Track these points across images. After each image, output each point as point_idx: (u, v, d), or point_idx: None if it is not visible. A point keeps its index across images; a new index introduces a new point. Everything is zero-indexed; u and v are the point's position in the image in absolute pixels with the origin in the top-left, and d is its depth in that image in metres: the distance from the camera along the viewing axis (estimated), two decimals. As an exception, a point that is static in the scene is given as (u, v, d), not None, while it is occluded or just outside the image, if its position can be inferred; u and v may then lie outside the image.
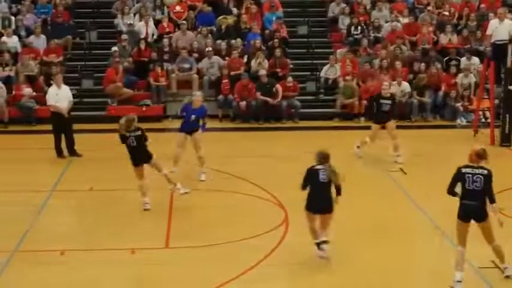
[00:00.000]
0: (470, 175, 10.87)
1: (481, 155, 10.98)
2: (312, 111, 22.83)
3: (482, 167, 10.94)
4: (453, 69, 23.76)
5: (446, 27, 25.06)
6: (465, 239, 10.97)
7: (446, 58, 24.36)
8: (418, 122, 22.87)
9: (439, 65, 23.77)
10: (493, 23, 20.65)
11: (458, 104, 22.95)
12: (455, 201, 14.93)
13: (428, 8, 26.01)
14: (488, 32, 20.88)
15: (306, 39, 25.76)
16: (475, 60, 24.01)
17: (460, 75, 23.55)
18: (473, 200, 10.89)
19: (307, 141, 18.99)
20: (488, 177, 10.85)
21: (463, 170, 10.93)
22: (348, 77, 23.01)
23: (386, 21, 25.68)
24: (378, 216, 14.19)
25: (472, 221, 10.99)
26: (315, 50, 25.31)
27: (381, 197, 15.44)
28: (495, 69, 20.20)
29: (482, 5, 26.24)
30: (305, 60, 25.12)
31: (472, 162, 10.95)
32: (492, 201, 10.98)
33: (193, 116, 16.19)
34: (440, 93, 23.35)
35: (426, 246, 13.08)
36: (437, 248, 12.72)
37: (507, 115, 19.64)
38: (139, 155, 14.25)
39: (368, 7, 26.29)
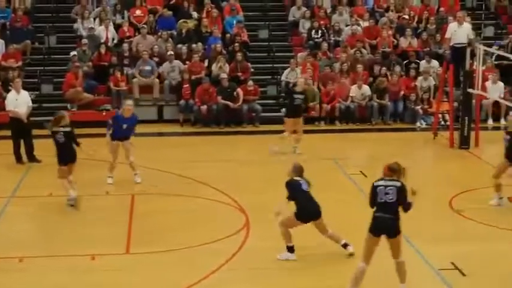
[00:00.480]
0: (383, 187, 10.60)
1: (393, 169, 10.70)
2: (272, 115, 22.82)
3: (394, 179, 10.65)
4: (413, 72, 23.92)
5: (406, 31, 25.24)
6: (370, 256, 10.67)
7: (406, 61, 24.51)
8: (378, 125, 22.96)
9: (398, 68, 23.90)
10: (452, 27, 20.81)
11: (418, 107, 23.10)
12: (414, 204, 15.13)
13: (389, 13, 26.12)
14: (447, 35, 21.03)
15: (266, 43, 25.79)
16: (435, 63, 24.19)
17: (420, 78, 23.72)
18: (385, 213, 10.60)
19: (268, 145, 18.98)
20: (400, 189, 10.58)
21: (375, 184, 10.69)
22: (308, 80, 23.04)
23: (347, 25, 25.79)
24: (339, 220, 14.18)
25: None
26: (276, 54, 25.35)
27: (341, 200, 15.47)
28: (454, 72, 20.35)
29: (442, 9, 26.46)
30: (266, 64, 25.15)
31: (386, 176, 10.70)
32: (405, 210, 10.75)
33: (124, 125, 16.11)
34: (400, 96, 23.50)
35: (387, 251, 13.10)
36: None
37: (466, 118, 19.81)
38: (66, 153, 14.53)
39: (328, 11, 26.39)
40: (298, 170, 12.11)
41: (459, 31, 20.33)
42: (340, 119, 23.04)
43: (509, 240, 13.05)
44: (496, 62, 24.31)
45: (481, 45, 20.21)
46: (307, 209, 11.88)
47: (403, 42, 25.17)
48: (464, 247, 12.80)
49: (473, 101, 20.11)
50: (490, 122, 22.96)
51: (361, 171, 17.38)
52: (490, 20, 27.03)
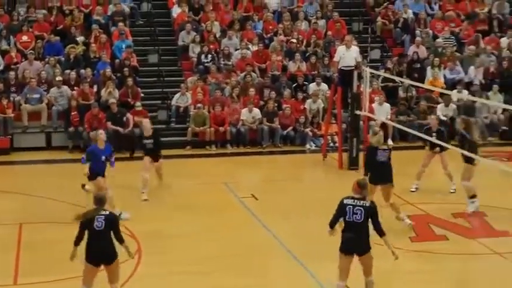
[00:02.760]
0: (351, 207, 10.66)
1: (362, 185, 10.86)
2: (163, 140, 22.64)
3: (364, 199, 10.74)
4: (302, 95, 24.22)
5: (295, 55, 25.56)
6: (347, 274, 10.81)
7: (295, 84, 24.80)
8: (268, 148, 23.10)
9: (287, 93, 24.16)
10: (340, 50, 21.18)
11: (307, 129, 23.38)
12: (305, 225, 15.33)
13: (278, 37, 26.40)
14: (335, 59, 21.38)
15: (156, 68, 25.68)
16: (323, 86, 24.54)
17: (309, 101, 24.02)
18: (354, 233, 10.65)
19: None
20: (369, 210, 10.62)
21: (345, 201, 10.77)
22: (199, 105, 23.04)
23: (236, 49, 25.94)
24: (231, 243, 14.22)
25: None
26: (166, 79, 25.25)
27: (233, 224, 15.49)
28: (342, 94, 20.68)
29: (329, 33, 26.92)
30: (156, 89, 25.01)
31: (355, 193, 10.79)
32: (381, 234, 10.79)
33: (103, 157, 15.66)
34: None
35: (278, 270, 13.19)
36: (290, 273, 12.86)
37: (354, 139, 20.16)
38: None
39: (218, 35, 26.49)
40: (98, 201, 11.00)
41: (347, 54, 20.71)
42: (231, 143, 23.09)
43: (398, 260, 13.27)
44: (382, 84, 24.86)
45: (367, 68, 20.65)
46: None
47: (292, 66, 25.48)
48: (353, 267, 12.93)
49: (361, 122, 20.49)
50: (378, 142, 23.38)
51: (252, 194, 17.46)
52: (376, 43, 27.62)
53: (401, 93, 25.02)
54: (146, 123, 17.56)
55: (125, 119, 22.59)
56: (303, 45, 26.55)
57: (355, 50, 21.06)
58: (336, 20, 27.28)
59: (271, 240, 14.47)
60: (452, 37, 27.30)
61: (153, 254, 13.33)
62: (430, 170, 17.67)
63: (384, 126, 23.05)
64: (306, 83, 24.90)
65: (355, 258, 10.78)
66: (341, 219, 10.89)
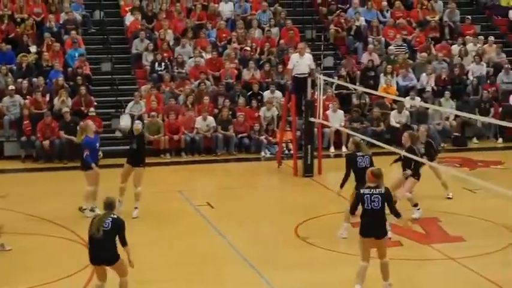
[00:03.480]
0: (369, 195, 11.47)
1: (376, 174, 11.64)
2: (117, 149, 22.49)
3: (379, 187, 11.54)
4: (256, 103, 24.25)
5: (249, 62, 25.59)
6: (368, 254, 11.64)
7: (249, 92, 24.82)
8: (223, 156, 23.06)
9: (241, 101, 24.16)
10: (294, 58, 21.24)
11: (262, 137, 23.40)
12: (260, 232, 15.38)
13: (231, 45, 26.39)
14: (289, 66, 21.44)
15: (109, 76, 25.52)
16: (278, 93, 24.60)
17: (263, 108, 24.06)
18: (373, 219, 11.46)
19: (113, 179, 18.58)
20: (385, 196, 11.50)
21: (362, 191, 11.61)
22: (153, 113, 22.93)
23: (190, 57, 25.89)
24: (186, 252, 14.17)
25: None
26: (119, 87, 25.12)
27: (188, 232, 15.44)
28: (296, 102, 20.73)
29: (282, 41, 27.00)
30: (109, 97, 24.86)
31: (370, 182, 11.64)
32: (398, 215, 11.83)
33: (97, 145, 16.27)
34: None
35: (234, 278, 13.17)
36: (246, 280, 12.85)
37: (309, 146, 20.21)
38: None
39: (171, 43, 26.43)
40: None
41: (301, 62, 20.78)
42: (185, 151, 23.02)
43: (354, 266, 13.32)
44: (336, 92, 24.99)
45: (321, 75, 20.74)
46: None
47: (246, 74, 25.50)
48: (310, 274, 13.00)
49: (315, 129, 20.56)
50: (332, 149, 23.49)
51: (207, 202, 17.43)
52: (329, 51, 27.76)
53: (354, 100, 25.18)
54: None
55: (78, 128, 22.31)
56: (257, 53, 26.59)
57: (308, 57, 21.14)
58: (289, 27, 27.38)
59: (227, 247, 14.45)
60: (404, 44, 27.56)
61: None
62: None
63: (337, 133, 23.29)
64: (261, 91, 24.93)
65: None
66: None
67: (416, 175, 15.64)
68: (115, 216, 10.98)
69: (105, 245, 10.80)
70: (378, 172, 11.73)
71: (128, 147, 16.97)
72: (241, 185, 19.74)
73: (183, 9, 27.76)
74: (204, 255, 14.04)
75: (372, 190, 11.53)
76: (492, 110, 25.22)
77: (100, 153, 16.76)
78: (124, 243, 10.90)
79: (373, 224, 11.51)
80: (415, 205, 15.83)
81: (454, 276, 12.76)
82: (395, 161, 16.26)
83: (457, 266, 13.06)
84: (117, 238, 10.86)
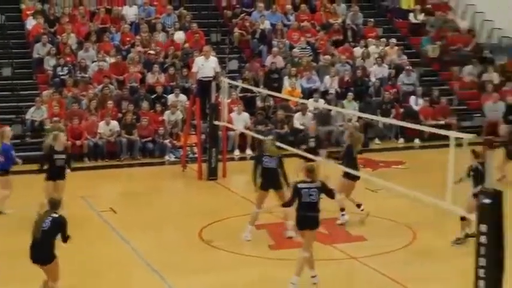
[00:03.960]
0: (307, 189, 11.99)
1: (310, 169, 12.16)
2: (18, 155, 22.00)
3: (315, 181, 12.05)
4: (160, 107, 24.09)
5: (153, 66, 25.41)
6: (309, 245, 12.17)
7: (153, 96, 24.65)
8: (127, 161, 22.81)
9: (145, 105, 23.97)
10: (199, 61, 21.19)
11: (167, 141, 23.26)
12: (165, 237, 15.29)
13: (135, 48, 26.16)
14: (194, 70, 21.40)
15: (10, 81, 24.99)
16: (182, 97, 24.51)
17: (167, 112, 23.91)
18: (309, 212, 11.99)
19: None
20: (322, 188, 12.06)
21: (299, 186, 12.09)
22: (55, 118, 22.55)
23: (93, 61, 25.57)
24: (90, 258, 13.95)
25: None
26: (20, 92, 24.62)
27: (92, 238, 15.20)
28: (201, 105, 20.71)
29: (187, 44, 26.92)
30: (10, 103, 24.32)
31: (307, 177, 12.13)
32: (333, 197, 12.62)
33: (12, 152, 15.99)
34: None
35: (137, 284, 13.05)
36: (149, 286, 12.75)
37: (213, 149, 20.16)
38: None
39: (74, 47, 26.03)
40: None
41: (206, 65, 20.78)
42: (88, 156, 22.70)
43: (259, 268, 13.37)
44: (241, 95, 25.04)
45: (226, 79, 20.74)
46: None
47: (151, 77, 25.33)
48: (214, 277, 12.97)
49: (220, 132, 20.55)
50: (237, 152, 23.51)
51: (111, 208, 17.22)
52: (234, 54, 27.82)
53: (259, 103, 25.27)
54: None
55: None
56: (161, 57, 26.42)
57: (213, 60, 21.15)
58: (195, 31, 27.31)
59: (130, 253, 14.30)
60: (308, 47, 27.80)
61: (6, 271, 12.93)
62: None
63: (242, 135, 23.33)
64: (165, 94, 24.80)
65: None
66: None
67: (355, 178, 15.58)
68: (56, 215, 11.01)
69: (42, 245, 10.89)
70: (311, 167, 12.26)
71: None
72: (146, 189, 19.56)
73: (86, 13, 27.39)
74: (108, 261, 13.86)
75: (309, 184, 12.02)
76: (393, 111, 25.67)
77: (20, 160, 16.66)
78: (64, 240, 11.06)
79: (308, 217, 12.04)
80: (342, 209, 15.86)
81: (357, 276, 12.92)
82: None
83: (359, 265, 13.22)
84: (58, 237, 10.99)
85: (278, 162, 14.73)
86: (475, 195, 12.45)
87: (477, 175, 13.70)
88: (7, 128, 16.83)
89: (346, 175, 15.38)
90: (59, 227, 11.00)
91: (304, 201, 12.01)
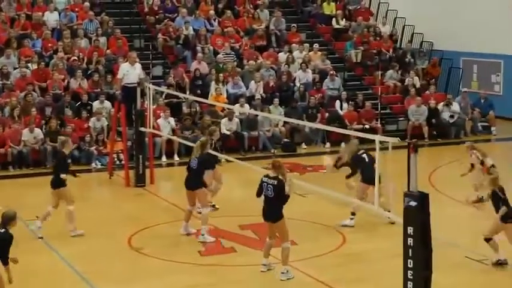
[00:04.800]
0: (265, 184, 12.63)
1: (273, 165, 12.73)
2: None
3: (275, 178, 12.54)
4: (86, 114, 23.84)
5: (77, 72, 25.14)
6: (273, 234, 12.92)
7: (78, 103, 24.38)
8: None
9: (70, 112, 23.68)
10: (124, 67, 21.05)
11: (93, 148, 23.02)
12: (93, 245, 15.13)
13: (58, 54, 25.82)
14: (119, 76, 21.25)
15: None
16: (107, 103, 24.30)
17: (93, 119, 23.68)
18: (266, 204, 12.71)
19: None
20: (277, 187, 12.48)
21: (263, 179, 12.72)
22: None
23: (15, 68, 25.17)
24: (16, 269, 13.69)
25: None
26: None
27: (18, 249, 14.89)
28: (126, 111, 20.56)
29: (109, 50, 26.70)
30: None
31: (272, 172, 12.68)
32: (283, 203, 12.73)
33: None
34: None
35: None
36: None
37: (140, 156, 20.03)
38: None
39: (-5, 54, 25.61)
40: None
41: (131, 71, 20.66)
42: (13, 164, 22.32)
43: (189, 275, 13.35)
44: (166, 100, 24.94)
45: (151, 85, 20.66)
46: None
47: (74, 84, 25.04)
48: (144, 285, 12.91)
49: (146, 139, 20.45)
50: (164, 159, 23.41)
51: (37, 216, 16.90)
52: (158, 60, 27.71)
53: (185, 109, 25.23)
54: None
55: None
56: (85, 63, 26.17)
57: (138, 66, 21.05)
58: (118, 36, 27.13)
59: (59, 262, 14.12)
60: (233, 52, 27.89)
61: None
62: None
63: (169, 141, 23.24)
64: (90, 101, 24.55)
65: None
66: None
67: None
68: (2, 230, 10.93)
69: None
70: (275, 163, 12.81)
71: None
72: (74, 196, 19.28)
73: (6, 19, 26.94)
74: (35, 270, 13.64)
75: (268, 179, 12.63)
76: (319, 115, 25.92)
77: None
78: (3, 260, 10.88)
79: (267, 210, 12.71)
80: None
81: (288, 279, 12.95)
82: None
83: (290, 270, 13.28)
84: None
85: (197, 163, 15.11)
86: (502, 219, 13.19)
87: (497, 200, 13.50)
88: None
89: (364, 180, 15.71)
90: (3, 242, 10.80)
91: (265, 194, 12.66)
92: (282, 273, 12.84)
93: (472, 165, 17.65)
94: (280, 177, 12.60)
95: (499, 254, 13.42)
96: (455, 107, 27.35)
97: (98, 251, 14.85)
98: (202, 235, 14.98)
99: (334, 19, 31.09)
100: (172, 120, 23.94)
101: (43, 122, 23.43)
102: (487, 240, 13.36)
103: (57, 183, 15.55)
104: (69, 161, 16.10)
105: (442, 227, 13.96)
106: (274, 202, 12.62)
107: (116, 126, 21.46)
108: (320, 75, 27.88)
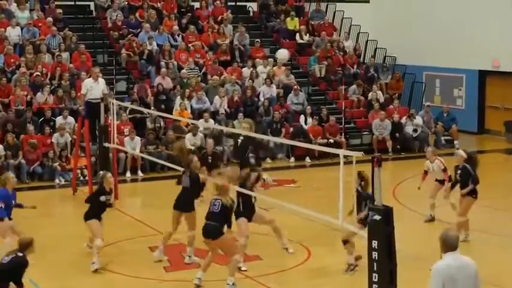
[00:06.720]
0: (213, 200, 12.90)
1: (216, 187, 13.09)
2: None
3: (219, 198, 12.90)
4: (49, 129, 23.67)
5: (40, 88, 24.98)
6: (214, 252, 13.22)
7: (41, 119, 24.23)
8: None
9: (32, 127, 23.47)
10: (88, 82, 21.00)
11: (56, 164, 22.87)
12: (58, 262, 15.01)
13: (20, 69, 25.64)
14: (82, 91, 21.20)
15: None
16: (71, 119, 24.17)
17: (56, 134, 23.53)
18: (211, 221, 12.82)
19: None
20: (224, 205, 12.79)
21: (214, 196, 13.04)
22: None
23: (-23, 84, 24.98)
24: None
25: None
26: None
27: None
28: (90, 127, 20.49)
29: (71, 65, 26.56)
30: None
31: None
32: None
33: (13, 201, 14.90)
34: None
35: None
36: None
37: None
38: None
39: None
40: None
41: (95, 87, 20.62)
42: (-25, 181, 22.06)
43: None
44: (130, 116, 24.87)
45: (114, 100, 20.58)
46: None
47: (41, 99, 24.88)
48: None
49: (110, 154, 20.35)
50: (128, 174, 23.33)
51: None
52: (122, 75, 27.63)
53: (149, 124, 25.17)
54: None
55: None
56: (48, 78, 26.01)
57: (102, 82, 20.99)
58: (81, 51, 27.01)
59: (24, 281, 13.95)
60: (197, 68, 27.92)
61: None
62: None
63: (133, 157, 23.15)
64: (53, 117, 24.40)
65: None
66: None
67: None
68: (20, 254, 11.07)
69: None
70: (218, 186, 13.11)
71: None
72: (36, 214, 19.06)
73: (-33, 34, 26.75)
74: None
75: (216, 196, 13.00)
76: (283, 130, 26.00)
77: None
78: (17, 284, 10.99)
79: (210, 226, 12.84)
80: None
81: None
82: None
83: (255, 284, 13.28)
84: None
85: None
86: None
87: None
88: (11, 174, 15.92)
89: None
90: (16, 266, 10.97)
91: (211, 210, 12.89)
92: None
93: (426, 172, 17.60)
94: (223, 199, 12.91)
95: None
96: (419, 120, 27.61)
97: (62, 268, 14.73)
98: (189, 256, 14.81)
99: (297, 34, 31.24)
100: (138, 140, 23.71)
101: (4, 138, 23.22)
102: None
103: None
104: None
105: (406, 240, 14.03)
106: (220, 219, 12.86)
107: (80, 141, 21.35)
108: (284, 90, 27.99)
